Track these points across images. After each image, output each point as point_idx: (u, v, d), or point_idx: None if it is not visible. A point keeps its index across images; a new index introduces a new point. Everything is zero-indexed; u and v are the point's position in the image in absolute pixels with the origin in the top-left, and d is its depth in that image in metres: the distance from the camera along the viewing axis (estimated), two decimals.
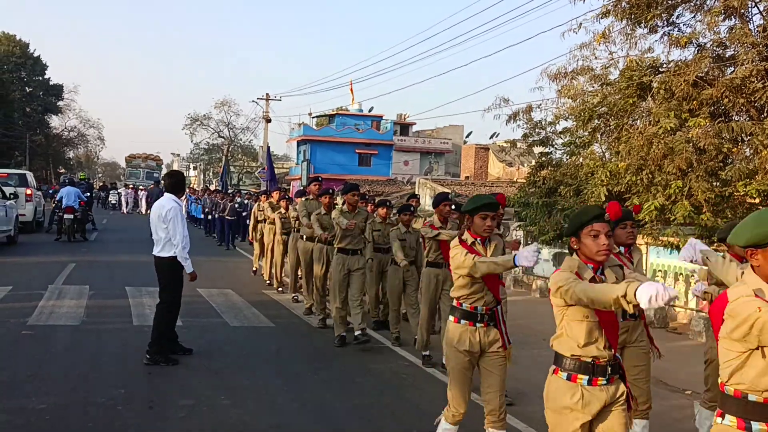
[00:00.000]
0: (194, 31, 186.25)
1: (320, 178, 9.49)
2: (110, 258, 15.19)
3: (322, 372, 6.66)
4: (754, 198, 9.54)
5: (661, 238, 10.52)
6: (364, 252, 8.04)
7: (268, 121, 37.42)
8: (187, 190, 37.51)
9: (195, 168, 72.73)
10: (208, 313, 9.25)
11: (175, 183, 6.72)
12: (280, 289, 11.64)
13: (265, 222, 12.95)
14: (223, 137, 56.85)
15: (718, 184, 9.89)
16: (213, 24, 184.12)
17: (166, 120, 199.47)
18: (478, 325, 4.19)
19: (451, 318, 4.28)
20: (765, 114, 10.03)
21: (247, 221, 18.67)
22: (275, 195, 12.96)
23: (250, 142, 57.59)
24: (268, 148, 25.46)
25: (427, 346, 6.94)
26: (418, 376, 6.67)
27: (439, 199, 6.91)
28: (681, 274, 10.55)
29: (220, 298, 10.41)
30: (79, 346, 7.11)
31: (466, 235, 4.27)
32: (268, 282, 12.36)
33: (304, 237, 9.20)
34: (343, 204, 8.02)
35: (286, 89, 67.26)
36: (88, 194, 21.96)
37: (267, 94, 37.59)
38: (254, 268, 13.95)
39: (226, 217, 19.26)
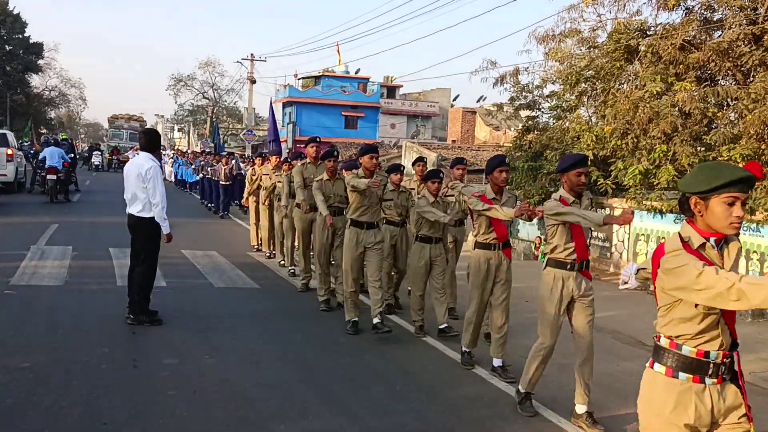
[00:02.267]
0: None
1: (318, 139, 8.34)
2: (93, 219, 15.06)
3: (306, 332, 6.71)
4: (738, 162, 9.59)
5: (644, 202, 10.59)
6: (381, 225, 7.14)
7: (253, 82, 37.01)
8: (174, 152, 37.13)
9: (180, 129, 71.99)
10: (193, 275, 9.25)
11: (151, 141, 6.63)
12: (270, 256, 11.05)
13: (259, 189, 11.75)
14: (207, 98, 56.23)
15: (702, 148, 9.95)
16: None
17: (150, 80, 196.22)
18: (708, 381, 2.57)
19: (658, 368, 2.62)
20: (751, 78, 10.04)
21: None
22: (273, 160, 11.32)
23: (234, 103, 57.06)
24: (271, 104, 23.98)
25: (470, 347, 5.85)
26: (403, 336, 6.74)
27: (494, 164, 5.48)
28: (664, 238, 10.66)
29: (205, 260, 10.39)
30: (62, 306, 7.09)
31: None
32: (256, 247, 11.89)
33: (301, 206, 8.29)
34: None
35: (271, 50, 66.30)
36: (72, 155, 21.65)
37: (251, 54, 37.10)
38: (265, 251, 11.48)
39: (221, 183, 17.87)
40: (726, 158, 9.59)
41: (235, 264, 10.18)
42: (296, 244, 9.37)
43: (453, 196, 7.00)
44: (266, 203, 11.07)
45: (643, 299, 8.81)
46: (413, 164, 8.32)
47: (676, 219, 10.54)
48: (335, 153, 7.50)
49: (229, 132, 52.46)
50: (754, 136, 9.03)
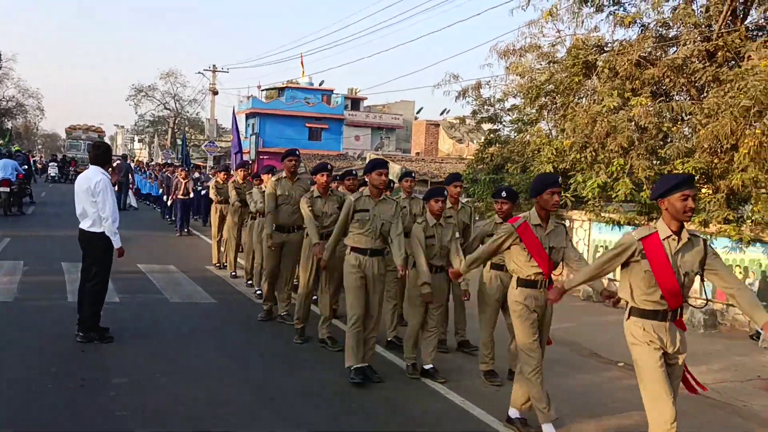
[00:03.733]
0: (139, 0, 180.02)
1: (297, 152, 7.34)
2: (47, 232, 14.64)
3: (265, 348, 6.58)
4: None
5: (603, 214, 10.73)
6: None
7: (215, 93, 36.67)
8: (136, 164, 36.35)
9: (141, 140, 70.92)
10: (148, 289, 9.02)
11: (101, 154, 6.45)
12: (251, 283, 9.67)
13: (227, 204, 11.08)
14: (169, 109, 55.53)
15: (657, 162, 10.13)
16: None
17: (109, 90, 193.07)
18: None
19: None
20: (704, 94, 10.28)
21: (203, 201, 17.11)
22: (240, 173, 10.61)
23: (197, 114, 56.46)
24: (234, 114, 23.36)
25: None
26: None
27: (547, 183, 4.63)
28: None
29: (161, 274, 10.16)
30: (11, 322, 6.83)
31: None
32: (218, 265, 11.35)
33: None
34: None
35: (234, 61, 66.03)
36: (26, 166, 21.06)
37: (214, 65, 36.81)
38: (231, 271, 10.66)
39: (178, 197, 16.35)
40: (680, 171, 9.79)
41: (193, 278, 9.97)
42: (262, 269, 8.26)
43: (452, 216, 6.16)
44: (236, 220, 10.51)
45: (598, 310, 8.90)
46: (401, 179, 7.39)
47: (634, 231, 10.69)
48: (329, 167, 6.71)
49: (191, 143, 51.87)
50: (707, 150, 9.23)
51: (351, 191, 6.95)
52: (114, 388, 5.10)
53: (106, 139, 64.46)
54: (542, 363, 4.56)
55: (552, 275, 4.68)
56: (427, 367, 5.81)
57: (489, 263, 5.48)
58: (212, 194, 12.03)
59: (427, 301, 5.72)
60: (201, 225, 18.00)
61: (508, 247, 4.65)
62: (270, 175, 8.35)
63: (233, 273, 10.48)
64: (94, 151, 6.49)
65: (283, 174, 7.33)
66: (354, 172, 7.70)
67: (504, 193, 5.81)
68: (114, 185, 6.79)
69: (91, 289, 6.32)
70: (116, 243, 6.29)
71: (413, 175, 7.58)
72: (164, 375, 5.47)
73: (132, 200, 23.06)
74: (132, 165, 34.64)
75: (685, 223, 3.69)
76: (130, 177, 23.08)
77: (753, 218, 8.90)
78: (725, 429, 5.16)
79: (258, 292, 8.92)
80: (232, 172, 13.49)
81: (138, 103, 55.98)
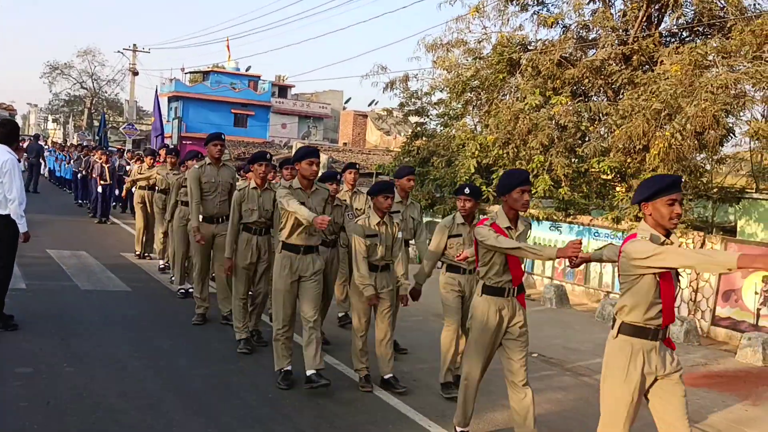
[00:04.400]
0: None
1: (223, 136, 6.93)
2: None
3: (179, 338, 6.40)
4: (607, 174, 10.21)
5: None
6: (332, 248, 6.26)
7: (135, 74, 35.34)
8: (51, 145, 34.53)
9: (55, 120, 67.65)
10: (58, 276, 8.62)
11: (9, 133, 6.10)
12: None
13: (151, 190, 10.31)
14: (86, 89, 53.14)
15: (575, 160, 10.48)
16: None
17: (22, 67, 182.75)
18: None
19: None
20: (620, 95, 10.70)
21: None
22: (170, 159, 9.54)
23: (116, 95, 54.30)
24: (156, 96, 22.07)
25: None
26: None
27: (515, 182, 4.18)
28: (539, 244, 11.14)
29: (72, 260, 9.72)
30: None
31: None
32: (139, 254, 10.68)
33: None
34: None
35: (156, 42, 63.75)
36: None
37: (134, 45, 35.42)
38: (160, 263, 9.82)
39: (100, 182, 15.06)
40: (596, 170, 10.18)
41: (107, 265, 9.59)
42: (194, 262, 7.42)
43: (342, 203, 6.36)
44: (162, 207, 9.63)
45: (557, 317, 9.05)
46: (343, 171, 7.17)
47: (551, 227, 11.05)
48: (268, 156, 6.22)
49: (110, 125, 49.88)
50: (622, 150, 9.62)
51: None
52: (17, 378, 4.85)
53: (18, 118, 61.16)
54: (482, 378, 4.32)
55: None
56: (386, 377, 5.36)
57: (481, 287, 4.35)
58: (133, 179, 11.01)
59: (373, 304, 5.28)
60: (120, 212, 17.14)
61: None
62: (192, 161, 7.79)
63: (161, 266, 9.64)
64: (1, 130, 6.12)
65: (207, 160, 6.77)
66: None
67: (467, 190, 5.31)
68: (23, 166, 6.41)
69: None
70: (22, 227, 5.96)
71: (357, 166, 7.33)
72: (71, 365, 5.24)
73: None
74: (45, 145, 32.93)
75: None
76: (41, 158, 21.93)
77: None
78: None
79: (172, 279, 8.60)
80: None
81: (53, 81, 53.29)
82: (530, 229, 4.50)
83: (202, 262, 6.99)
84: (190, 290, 7.74)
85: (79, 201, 18.78)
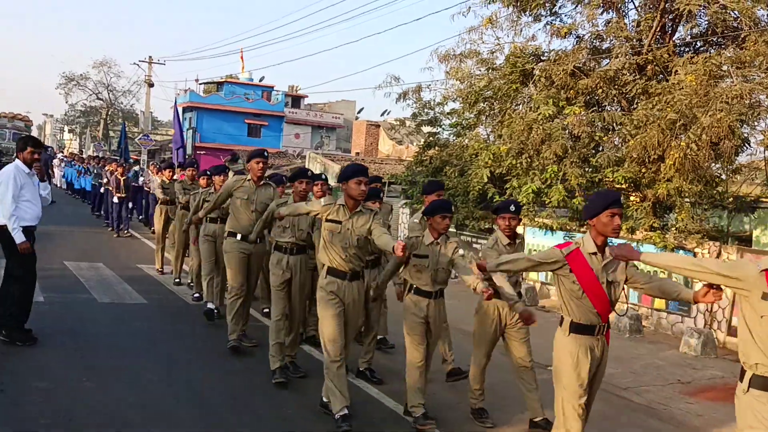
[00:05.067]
0: None
1: (266, 153, 6.53)
2: None
3: (194, 351, 6.44)
4: (622, 184, 10.17)
5: (536, 219, 11.01)
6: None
7: (151, 85, 35.71)
8: (68, 156, 34.86)
9: (71, 131, 68.37)
10: (75, 288, 8.70)
11: (19, 146, 6.19)
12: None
13: (173, 205, 10.10)
14: (102, 100, 53.70)
15: (589, 170, 10.45)
16: None
17: (38, 77, 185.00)
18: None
19: None
20: (634, 105, 10.67)
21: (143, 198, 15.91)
22: (188, 172, 9.62)
23: (131, 106, 54.80)
24: (176, 108, 21.46)
25: None
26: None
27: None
28: None
29: (90, 272, 9.81)
30: None
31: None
32: (160, 270, 10.34)
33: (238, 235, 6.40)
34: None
35: (171, 54, 64.40)
36: None
37: (150, 56, 35.82)
38: (175, 277, 9.68)
39: (116, 194, 14.97)
40: (610, 180, 10.14)
41: (123, 277, 9.67)
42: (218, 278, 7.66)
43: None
44: (180, 224, 9.37)
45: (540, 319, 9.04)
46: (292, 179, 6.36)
47: (566, 236, 11.01)
48: (309, 172, 6.06)
49: (120, 137, 50.45)
50: (636, 160, 9.58)
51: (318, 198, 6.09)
52: (36, 392, 4.90)
53: (34, 129, 61.76)
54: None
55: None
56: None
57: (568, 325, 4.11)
58: (158, 194, 10.77)
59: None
60: (143, 225, 16.78)
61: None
62: (223, 176, 7.75)
63: (177, 279, 9.52)
64: (18, 144, 6.25)
65: (248, 176, 6.38)
66: (324, 176, 6.84)
67: (512, 207, 4.94)
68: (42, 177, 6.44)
69: (18, 286, 6.06)
70: (17, 237, 5.89)
71: (308, 172, 6.59)
72: (89, 380, 5.29)
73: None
74: (63, 156, 33.25)
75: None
76: (50, 169, 22.05)
77: (677, 226, 9.31)
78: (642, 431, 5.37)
79: (196, 295, 8.52)
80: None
81: (69, 92, 53.90)
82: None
83: (240, 277, 6.41)
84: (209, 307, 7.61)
85: (96, 213, 18.77)
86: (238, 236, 6.32)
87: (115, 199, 14.91)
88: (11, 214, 5.86)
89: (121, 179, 14.98)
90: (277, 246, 5.85)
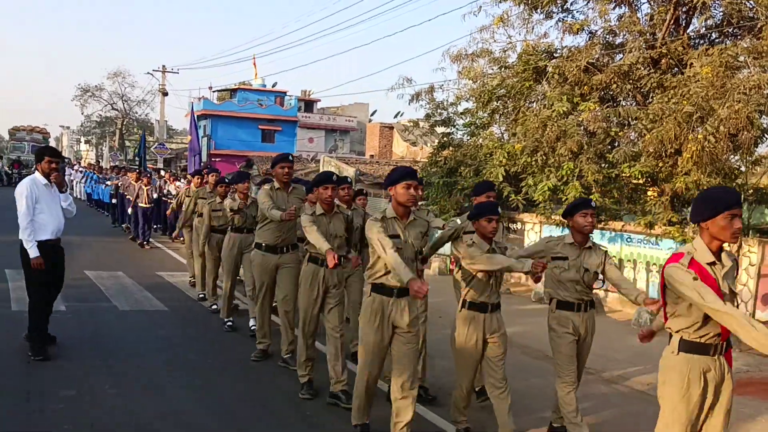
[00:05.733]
0: None
1: (291, 157, 6.20)
2: None
3: (216, 357, 6.47)
4: (638, 179, 10.08)
5: (553, 217, 10.93)
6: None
7: (165, 94, 36.00)
8: (87, 167, 35.19)
9: (87, 141, 69.12)
10: (96, 297, 8.79)
11: (36, 158, 6.23)
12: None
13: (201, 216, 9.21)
14: (117, 110, 54.23)
15: (605, 165, 10.36)
16: None
17: (54, 90, 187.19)
18: None
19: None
20: (649, 99, 10.57)
21: (168, 209, 14.52)
22: (211, 179, 9.19)
23: (146, 115, 55.28)
24: (193, 115, 20.83)
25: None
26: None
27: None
28: None
29: (110, 281, 9.90)
30: None
31: None
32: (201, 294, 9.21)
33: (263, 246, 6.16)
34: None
35: (184, 62, 64.92)
36: None
37: (163, 66, 36.11)
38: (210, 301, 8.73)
39: (140, 205, 14.79)
40: (627, 175, 10.06)
41: (144, 285, 9.76)
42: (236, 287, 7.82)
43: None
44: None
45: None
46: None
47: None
48: (334, 177, 5.36)
49: (140, 147, 50.91)
50: (653, 154, 9.49)
51: (345, 204, 5.93)
52: (61, 401, 4.95)
53: (52, 141, 62.58)
54: None
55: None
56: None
57: (467, 301, 4.48)
58: (183, 205, 10.19)
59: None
60: (160, 234, 16.61)
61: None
62: (246, 183, 7.52)
63: (213, 306, 8.48)
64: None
65: (276, 184, 6.08)
66: (349, 179, 6.59)
67: (594, 203, 4.71)
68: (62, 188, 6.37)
69: (30, 303, 6.09)
70: (30, 252, 5.82)
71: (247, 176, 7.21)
72: (112, 387, 5.34)
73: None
74: (79, 168, 33.55)
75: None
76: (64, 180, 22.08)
77: None
78: None
79: (213, 307, 8.37)
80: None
81: (84, 103, 54.48)
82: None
83: (265, 294, 6.34)
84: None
85: (115, 225, 18.42)
86: (264, 246, 6.16)
87: (137, 210, 14.71)
88: (24, 227, 5.81)
89: (146, 189, 14.75)
90: (312, 257, 5.32)
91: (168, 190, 15.43)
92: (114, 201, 17.91)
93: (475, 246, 4.43)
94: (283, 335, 6.20)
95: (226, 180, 8.49)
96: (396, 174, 4.20)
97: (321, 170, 24.89)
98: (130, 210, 14.93)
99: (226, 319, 7.64)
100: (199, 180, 10.10)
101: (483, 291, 4.46)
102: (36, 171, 6.13)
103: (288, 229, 6.11)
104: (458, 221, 5.37)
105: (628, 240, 10.24)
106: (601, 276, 4.60)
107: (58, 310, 7.41)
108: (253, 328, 7.02)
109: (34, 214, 5.88)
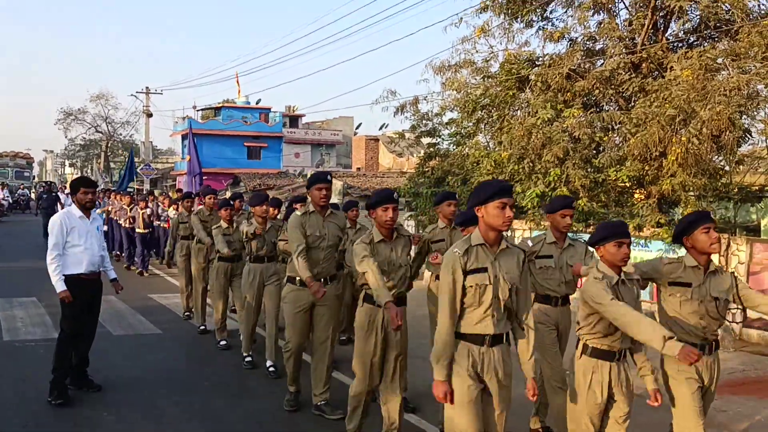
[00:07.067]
0: (65, 16, 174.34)
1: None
2: None
3: (213, 378, 6.45)
4: (625, 182, 10.18)
5: (542, 223, 10.99)
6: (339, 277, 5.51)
7: (149, 115, 35.93)
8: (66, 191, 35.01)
9: (72, 165, 68.78)
10: None
11: (71, 190, 5.93)
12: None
13: (191, 239, 8.77)
14: (101, 132, 53.99)
15: (592, 170, 10.45)
16: (88, 10, 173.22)
17: (36, 114, 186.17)
18: None
19: None
20: (632, 104, 10.69)
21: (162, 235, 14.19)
22: (208, 200, 8.45)
23: (131, 136, 55.05)
24: (191, 132, 20.09)
25: None
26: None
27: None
28: None
29: (103, 306, 9.65)
30: None
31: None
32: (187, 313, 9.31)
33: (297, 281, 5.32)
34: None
35: (167, 83, 64.79)
36: None
37: (147, 87, 36.07)
38: (200, 324, 8.57)
39: (137, 231, 13.93)
40: (613, 179, 10.15)
41: (135, 308, 9.70)
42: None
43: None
44: (201, 260, 8.52)
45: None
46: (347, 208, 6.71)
47: (571, 238, 11.00)
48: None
49: (125, 167, 50.69)
50: (638, 158, 9.59)
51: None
52: (59, 430, 4.91)
53: (35, 165, 62.08)
54: None
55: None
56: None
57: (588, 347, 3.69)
58: (174, 228, 9.63)
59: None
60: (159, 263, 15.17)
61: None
62: (263, 206, 6.65)
63: (202, 326, 8.40)
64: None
65: (311, 207, 5.23)
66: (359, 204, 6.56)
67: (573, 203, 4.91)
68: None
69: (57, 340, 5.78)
70: (57, 287, 5.56)
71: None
72: (111, 414, 5.31)
73: None
74: (67, 190, 33.20)
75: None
76: (57, 208, 21.83)
77: None
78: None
79: (222, 343, 7.65)
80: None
81: (68, 126, 54.17)
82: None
83: (300, 337, 5.45)
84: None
85: (114, 253, 15.91)
86: (297, 282, 5.30)
87: (136, 237, 13.94)
88: (50, 262, 5.54)
89: (141, 213, 13.90)
90: (368, 297, 4.48)
91: (167, 215, 14.04)
92: (105, 228, 15.63)
93: (606, 281, 3.52)
94: (317, 380, 5.40)
95: (231, 203, 7.69)
96: (382, 195, 4.39)
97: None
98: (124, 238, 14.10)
99: (267, 363, 6.63)
100: (189, 203, 9.72)
101: (608, 331, 3.57)
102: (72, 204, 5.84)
103: (329, 256, 5.25)
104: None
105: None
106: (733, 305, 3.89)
107: (51, 338, 7.35)
108: (271, 369, 6.48)
109: (66, 247, 5.61)
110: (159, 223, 14.31)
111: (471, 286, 3.30)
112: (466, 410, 3.31)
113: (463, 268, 3.30)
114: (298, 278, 5.20)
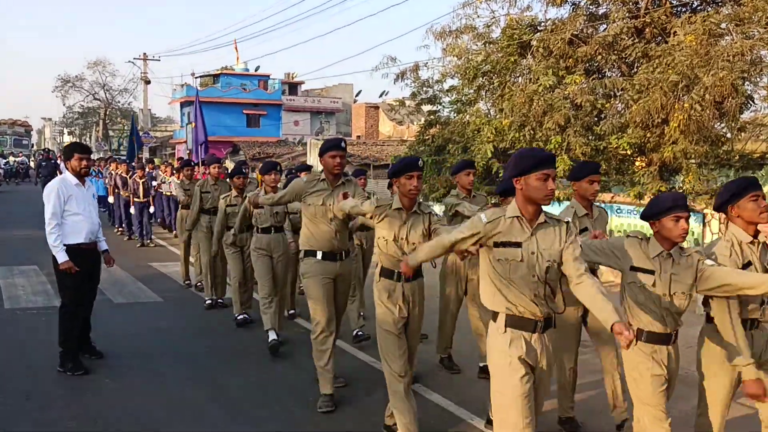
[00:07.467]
0: None
1: (344, 143, 4.88)
2: None
3: (215, 346, 6.48)
4: (626, 150, 10.12)
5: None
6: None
7: (147, 82, 35.65)
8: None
9: (71, 133, 68.50)
10: None
11: (65, 155, 5.82)
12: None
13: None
14: (99, 100, 53.68)
15: (593, 138, 10.39)
16: None
17: (33, 81, 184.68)
18: None
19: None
20: (635, 70, 10.58)
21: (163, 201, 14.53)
22: (213, 170, 8.38)
23: (129, 104, 54.77)
24: (198, 99, 19.71)
25: None
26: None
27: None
28: None
29: (103, 274, 9.71)
30: None
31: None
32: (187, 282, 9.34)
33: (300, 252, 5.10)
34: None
35: (165, 49, 64.08)
36: None
37: (144, 54, 35.69)
38: (192, 281, 9.19)
39: (136, 200, 13.59)
40: (615, 146, 10.09)
41: (137, 276, 9.73)
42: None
43: None
44: (207, 229, 8.14)
45: None
46: (457, 172, 5.72)
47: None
48: (343, 144, 4.80)
49: (125, 134, 50.41)
50: (640, 125, 9.52)
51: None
52: (62, 398, 4.96)
53: (33, 133, 61.88)
54: None
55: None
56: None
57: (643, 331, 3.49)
58: (180, 197, 9.39)
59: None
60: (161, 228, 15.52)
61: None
62: (272, 174, 6.35)
63: (187, 281, 9.04)
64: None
65: (321, 175, 4.93)
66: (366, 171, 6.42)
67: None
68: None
69: (59, 315, 5.70)
70: (58, 257, 5.45)
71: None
72: (113, 380, 5.35)
73: None
74: (61, 160, 33.14)
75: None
76: (57, 175, 21.49)
77: (684, 188, 9.27)
78: None
79: (209, 301, 7.94)
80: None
81: (65, 94, 53.90)
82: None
83: (329, 312, 4.91)
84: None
85: (115, 226, 15.54)
86: (319, 255, 4.89)
87: (136, 206, 13.67)
88: (50, 232, 5.41)
89: (140, 182, 13.60)
90: (385, 271, 4.22)
91: (169, 182, 13.86)
92: (111, 200, 15.58)
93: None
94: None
95: (243, 171, 7.48)
96: (401, 164, 4.08)
97: (309, 153, 24.77)
98: (132, 209, 13.77)
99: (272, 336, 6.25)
100: (189, 171, 9.69)
101: (657, 315, 3.40)
102: (65, 170, 5.78)
103: (343, 228, 4.95)
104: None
105: (618, 211, 10.30)
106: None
107: (53, 306, 7.40)
108: (273, 341, 6.10)
109: (65, 216, 5.48)
110: (161, 191, 14.36)
111: (499, 260, 3.06)
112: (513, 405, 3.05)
113: (487, 235, 3.07)
114: (319, 252, 4.88)
